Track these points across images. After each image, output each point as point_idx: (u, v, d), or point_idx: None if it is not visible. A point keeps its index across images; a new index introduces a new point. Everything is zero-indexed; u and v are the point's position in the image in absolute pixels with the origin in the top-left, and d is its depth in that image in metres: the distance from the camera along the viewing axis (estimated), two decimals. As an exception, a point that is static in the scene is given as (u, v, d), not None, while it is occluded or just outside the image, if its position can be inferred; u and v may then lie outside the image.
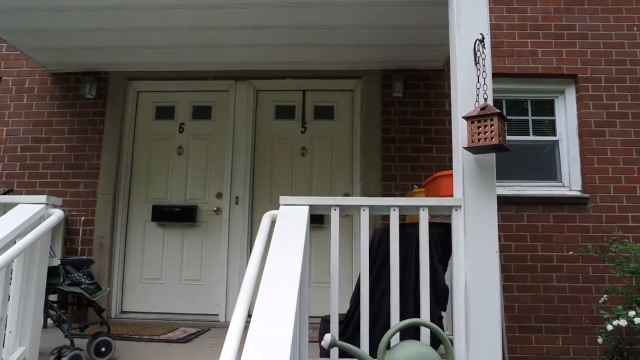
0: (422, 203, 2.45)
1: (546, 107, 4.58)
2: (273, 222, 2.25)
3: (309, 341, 2.30)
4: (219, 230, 4.54)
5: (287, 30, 3.81)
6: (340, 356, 2.30)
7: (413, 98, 4.50)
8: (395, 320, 2.32)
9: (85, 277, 3.06)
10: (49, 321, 3.85)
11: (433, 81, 4.52)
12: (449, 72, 2.64)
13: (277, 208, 2.35)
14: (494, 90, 3.12)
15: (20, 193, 4.43)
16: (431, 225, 2.46)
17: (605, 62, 4.43)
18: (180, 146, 4.73)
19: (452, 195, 2.49)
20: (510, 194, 4.27)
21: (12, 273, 2.46)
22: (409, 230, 2.57)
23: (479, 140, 2.27)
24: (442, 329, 2.33)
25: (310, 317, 2.34)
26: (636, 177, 4.24)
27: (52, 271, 2.80)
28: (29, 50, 4.26)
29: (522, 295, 4.10)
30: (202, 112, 4.79)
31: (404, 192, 4.29)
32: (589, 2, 4.52)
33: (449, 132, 4.25)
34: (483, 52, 2.44)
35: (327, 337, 2.03)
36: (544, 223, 4.21)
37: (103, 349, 2.94)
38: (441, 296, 2.49)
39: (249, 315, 1.56)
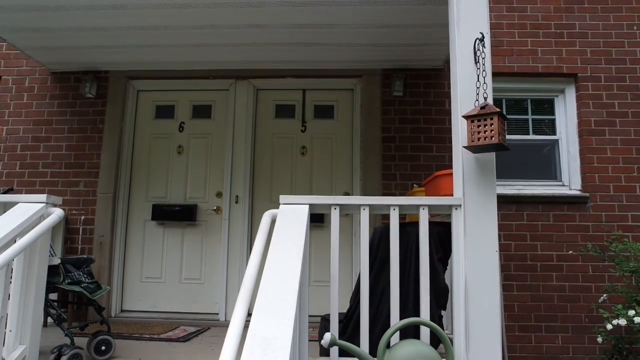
0: (422, 202, 2.45)
1: (546, 106, 4.58)
2: (273, 221, 2.25)
3: (309, 340, 2.31)
4: (219, 229, 4.54)
5: (287, 29, 3.80)
6: (340, 355, 2.31)
7: (413, 97, 4.50)
8: (395, 320, 2.32)
9: (85, 276, 3.06)
10: (49, 320, 3.86)
11: (433, 80, 4.52)
12: (449, 71, 2.64)
13: (277, 207, 2.35)
14: (494, 90, 3.13)
15: (20, 192, 4.43)
16: (431, 224, 2.46)
17: (605, 61, 4.43)
18: (180, 145, 4.74)
19: (452, 195, 2.49)
20: (510, 193, 4.27)
21: (12, 272, 2.46)
22: (409, 229, 2.57)
23: (478, 139, 2.27)
24: (442, 328, 2.33)
25: (310, 316, 2.34)
26: (636, 176, 4.24)
27: (52, 270, 2.80)
28: (28, 49, 4.26)
29: (521, 295, 4.11)
30: (202, 111, 4.79)
31: (404, 191, 4.29)
32: (589, 1, 4.52)
33: (449, 131, 4.25)
34: (483, 51, 2.44)
35: (327, 336, 2.03)
36: (544, 222, 4.21)
37: (103, 348, 2.95)
38: (441, 295, 2.49)
39: (249, 314, 1.56)
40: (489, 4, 2.59)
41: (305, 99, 4.75)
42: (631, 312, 3.00)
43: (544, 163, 4.48)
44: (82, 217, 4.46)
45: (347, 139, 4.64)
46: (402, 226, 2.47)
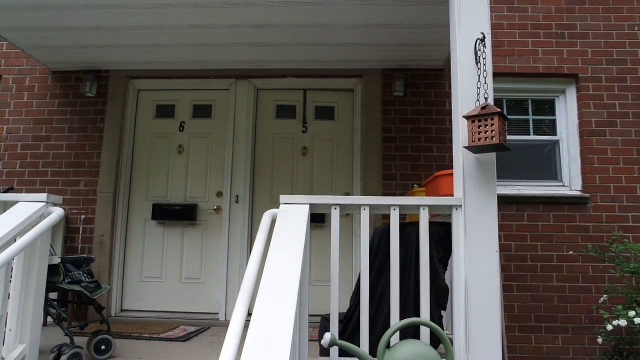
0: (422, 202, 2.45)
1: (546, 107, 4.57)
2: (273, 221, 2.25)
3: (309, 340, 2.30)
4: (219, 229, 4.54)
5: (288, 28, 3.80)
6: (340, 355, 2.31)
7: (414, 97, 4.50)
8: (395, 320, 2.32)
9: (85, 275, 3.05)
10: (49, 319, 3.85)
11: (434, 80, 4.52)
12: (450, 71, 2.64)
13: (278, 207, 2.35)
14: (495, 90, 3.12)
15: (20, 191, 4.42)
16: (431, 224, 2.46)
17: (606, 61, 4.42)
18: (181, 145, 4.73)
19: (452, 195, 2.48)
20: (510, 194, 4.27)
21: (12, 271, 2.46)
22: (409, 229, 2.57)
23: (479, 139, 2.27)
24: (442, 328, 2.33)
25: (309, 315, 2.34)
26: (636, 177, 4.24)
27: (52, 269, 2.80)
28: (29, 48, 4.26)
29: (521, 295, 4.10)
30: (202, 111, 4.79)
31: (404, 191, 4.29)
32: (590, 2, 4.51)
33: (450, 132, 4.25)
34: (484, 51, 2.44)
35: (327, 336, 2.03)
36: (544, 222, 4.21)
37: (103, 347, 2.95)
38: (441, 295, 2.49)
39: (249, 314, 1.56)
40: (490, 4, 2.59)
41: (306, 99, 4.75)
42: (631, 313, 3.00)
43: (544, 163, 4.47)
44: (82, 217, 4.46)
45: (348, 139, 4.64)
46: (403, 226, 2.47)
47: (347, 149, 4.64)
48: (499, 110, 2.23)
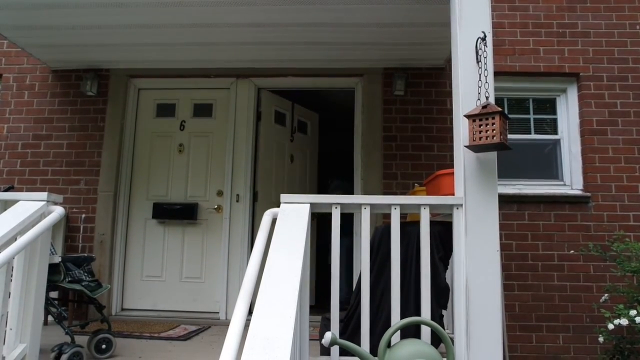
0: (423, 201, 2.44)
1: (548, 106, 4.56)
2: (274, 220, 2.25)
3: (310, 339, 2.30)
4: (220, 228, 4.53)
5: (289, 28, 3.79)
6: (340, 354, 2.30)
7: (414, 96, 4.49)
8: (395, 319, 2.32)
9: (85, 274, 3.05)
10: (50, 318, 3.86)
11: (434, 79, 4.51)
12: (451, 71, 2.63)
13: (279, 206, 2.35)
14: (496, 89, 3.11)
15: (21, 190, 4.42)
16: (432, 223, 2.45)
17: (607, 60, 4.41)
18: (181, 144, 4.73)
19: (453, 194, 2.48)
20: (511, 193, 4.26)
21: (12, 270, 2.46)
22: (409, 228, 2.57)
23: (480, 138, 2.26)
24: (443, 328, 2.33)
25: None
26: (638, 176, 4.23)
27: (52, 268, 2.80)
28: (29, 47, 4.25)
29: (522, 294, 4.10)
30: (203, 110, 4.78)
31: (404, 191, 4.29)
32: (591, 0, 4.50)
33: (450, 131, 4.23)
34: (485, 50, 2.43)
35: (328, 336, 2.03)
36: (545, 222, 4.20)
37: (104, 346, 2.95)
38: (442, 295, 2.49)
39: (250, 313, 1.56)
40: (491, 3, 2.58)
41: (294, 111, 5.04)
42: (633, 312, 3.00)
43: (545, 162, 4.47)
44: (83, 216, 4.46)
45: (314, 156, 5.22)
46: (403, 225, 2.46)
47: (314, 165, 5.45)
48: (500, 109, 2.23)
